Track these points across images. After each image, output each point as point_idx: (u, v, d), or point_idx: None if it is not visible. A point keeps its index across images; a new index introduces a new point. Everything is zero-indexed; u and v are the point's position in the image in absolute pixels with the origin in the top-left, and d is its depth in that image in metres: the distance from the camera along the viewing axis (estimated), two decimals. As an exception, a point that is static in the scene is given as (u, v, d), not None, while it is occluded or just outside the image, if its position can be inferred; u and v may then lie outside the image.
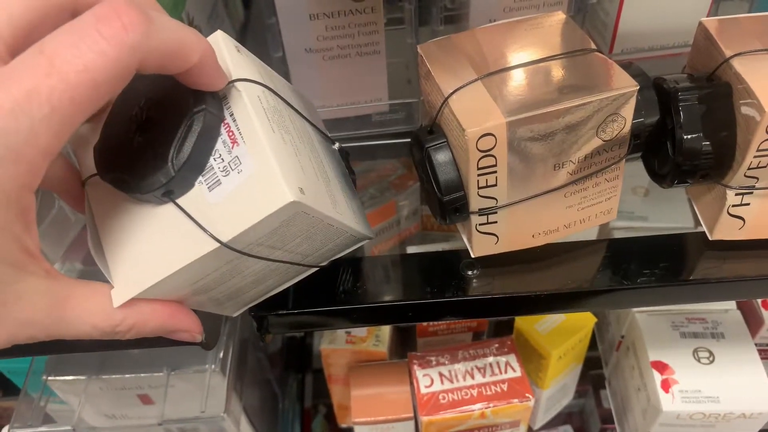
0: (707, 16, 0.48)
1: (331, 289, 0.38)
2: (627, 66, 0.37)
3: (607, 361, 0.68)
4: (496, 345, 0.55)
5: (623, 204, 0.65)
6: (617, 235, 0.64)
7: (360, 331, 0.57)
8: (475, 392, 0.53)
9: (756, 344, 0.59)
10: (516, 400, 0.52)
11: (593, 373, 0.74)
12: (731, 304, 0.59)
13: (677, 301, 0.39)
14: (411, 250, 0.60)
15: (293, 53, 0.44)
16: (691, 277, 0.38)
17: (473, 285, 0.38)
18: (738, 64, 0.34)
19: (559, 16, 0.38)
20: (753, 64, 0.34)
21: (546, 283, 0.38)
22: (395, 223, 0.63)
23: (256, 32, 0.58)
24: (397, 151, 0.48)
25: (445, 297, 0.38)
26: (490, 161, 0.33)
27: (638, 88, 0.33)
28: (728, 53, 0.35)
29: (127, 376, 0.50)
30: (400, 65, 0.49)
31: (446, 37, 0.38)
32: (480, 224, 0.36)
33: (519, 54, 0.36)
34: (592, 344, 0.68)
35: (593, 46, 0.36)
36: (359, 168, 0.64)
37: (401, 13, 0.47)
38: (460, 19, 0.47)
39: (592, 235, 0.63)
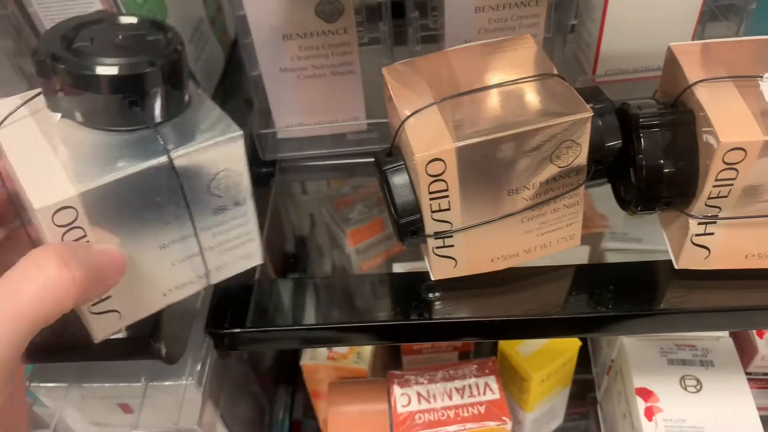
0: (693, 38, 0.47)
1: (290, 308, 0.38)
2: (592, 91, 0.37)
3: (599, 385, 0.67)
4: (476, 366, 0.54)
5: (617, 225, 0.64)
6: (610, 256, 0.63)
7: (341, 348, 0.57)
8: (452, 413, 0.52)
9: (749, 373, 0.58)
10: (492, 423, 0.51)
11: (593, 394, 0.72)
12: (723, 332, 0.57)
13: (640, 331, 0.39)
14: (398, 267, 0.60)
15: (268, 72, 0.45)
16: (656, 306, 0.37)
17: (433, 308, 0.38)
18: (700, 91, 0.34)
19: (526, 41, 0.38)
20: (715, 92, 0.34)
21: (506, 309, 0.37)
22: (383, 239, 0.63)
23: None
24: (374, 169, 0.48)
25: (403, 320, 0.37)
26: (441, 186, 0.33)
27: (592, 115, 0.32)
28: (692, 79, 0.34)
29: (106, 385, 0.51)
30: (380, 84, 0.49)
31: (410, 60, 0.39)
32: (437, 247, 0.36)
33: (478, 78, 0.36)
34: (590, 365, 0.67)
35: (555, 71, 0.36)
36: (350, 184, 0.64)
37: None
38: (437, 39, 0.47)
39: (583, 257, 0.62)
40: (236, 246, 0.33)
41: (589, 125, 0.33)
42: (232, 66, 0.57)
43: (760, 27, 0.50)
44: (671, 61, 0.37)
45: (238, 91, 0.57)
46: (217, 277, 0.34)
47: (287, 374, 0.71)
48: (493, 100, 0.34)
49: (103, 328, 0.31)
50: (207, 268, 0.33)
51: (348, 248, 0.62)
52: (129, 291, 0.30)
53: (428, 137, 0.33)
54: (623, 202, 0.38)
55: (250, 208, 0.32)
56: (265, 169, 0.50)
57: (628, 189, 0.37)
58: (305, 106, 0.47)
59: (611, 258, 0.64)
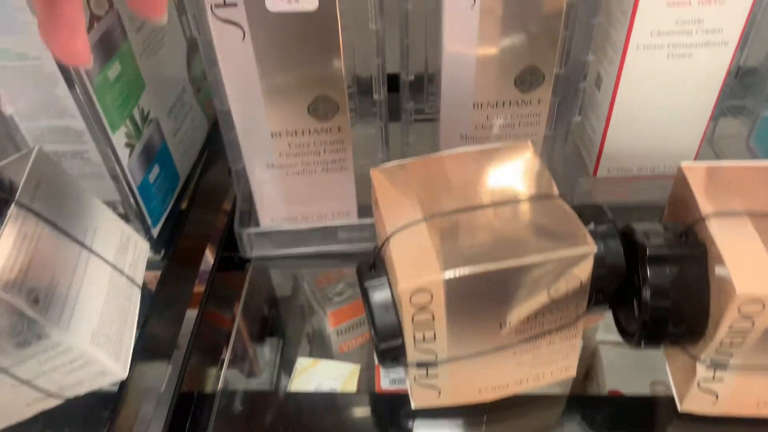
0: (703, 138, 0.45)
1: (252, 428, 0.35)
2: (594, 211, 0.34)
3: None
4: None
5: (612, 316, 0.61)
6: (604, 349, 0.60)
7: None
8: None
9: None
10: None
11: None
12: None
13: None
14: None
15: (254, 167, 0.41)
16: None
17: (411, 441, 0.35)
18: (713, 224, 0.31)
19: (524, 149, 0.35)
20: (730, 226, 0.31)
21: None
22: (365, 321, 0.59)
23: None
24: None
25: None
26: (426, 316, 0.30)
27: (595, 250, 0.29)
28: (704, 210, 0.31)
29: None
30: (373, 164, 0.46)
31: (400, 164, 0.36)
32: (419, 377, 0.33)
33: (474, 194, 0.33)
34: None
35: (555, 190, 0.33)
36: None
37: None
38: (433, 119, 0.44)
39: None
40: (77, 368, 0.33)
41: (591, 259, 0.30)
42: (217, 133, 0.54)
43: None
44: (681, 182, 0.34)
45: (221, 160, 0.53)
46: (75, 392, 0.35)
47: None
48: (487, 224, 0.31)
49: None
50: (49, 390, 0.34)
51: (328, 329, 0.59)
52: None
53: (414, 262, 0.30)
54: (625, 334, 0.35)
55: (63, 339, 0.32)
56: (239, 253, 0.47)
57: (631, 320, 0.34)
58: (293, 202, 0.43)
59: (605, 352, 0.60)
